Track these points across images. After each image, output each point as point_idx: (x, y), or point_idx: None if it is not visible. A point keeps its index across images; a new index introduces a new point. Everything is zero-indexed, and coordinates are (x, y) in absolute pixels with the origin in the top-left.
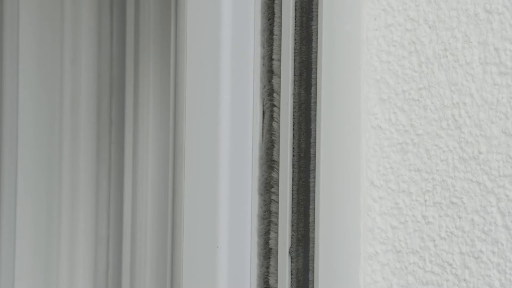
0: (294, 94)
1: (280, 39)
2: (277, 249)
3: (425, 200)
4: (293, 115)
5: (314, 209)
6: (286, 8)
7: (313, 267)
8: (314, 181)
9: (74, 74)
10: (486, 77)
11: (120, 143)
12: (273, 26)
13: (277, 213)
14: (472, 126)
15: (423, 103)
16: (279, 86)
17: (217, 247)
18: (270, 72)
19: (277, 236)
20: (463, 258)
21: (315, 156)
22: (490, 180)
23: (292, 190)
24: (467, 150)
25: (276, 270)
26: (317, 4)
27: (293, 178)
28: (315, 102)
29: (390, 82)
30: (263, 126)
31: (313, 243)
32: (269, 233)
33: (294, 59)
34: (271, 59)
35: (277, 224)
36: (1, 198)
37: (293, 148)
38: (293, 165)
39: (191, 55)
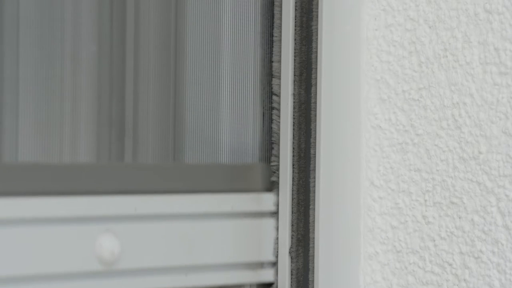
0: (294, 94)
1: (280, 41)
2: (277, 249)
3: (425, 200)
4: (293, 115)
5: (314, 209)
6: (286, 8)
7: (313, 267)
8: (314, 181)
9: (74, 73)
10: (486, 77)
11: (120, 143)
12: (273, 28)
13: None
14: (472, 126)
15: (423, 103)
16: (279, 87)
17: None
18: (270, 74)
19: (277, 236)
20: (463, 258)
21: (315, 156)
22: (490, 180)
23: (292, 190)
24: (467, 150)
25: (276, 270)
26: (317, 4)
27: (293, 178)
28: (315, 102)
29: (390, 82)
30: (263, 128)
31: (313, 243)
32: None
33: (294, 59)
34: (271, 61)
35: (277, 225)
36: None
37: (293, 148)
38: (293, 165)
39: (191, 56)
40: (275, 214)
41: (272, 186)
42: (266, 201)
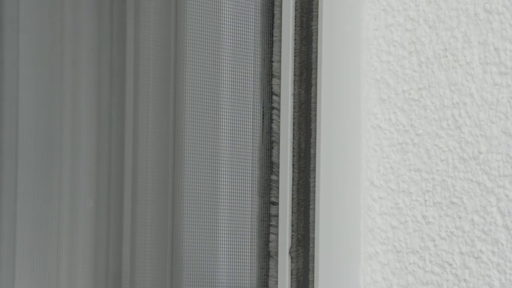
0: (294, 94)
1: (280, 41)
2: (277, 250)
3: (425, 200)
4: (293, 115)
5: (314, 209)
6: (286, 8)
7: (313, 267)
8: (314, 181)
9: (74, 75)
10: (486, 77)
11: (120, 143)
12: (273, 28)
13: (277, 214)
14: (472, 126)
15: (423, 103)
16: (279, 88)
17: (217, 248)
18: (270, 74)
19: (277, 237)
20: (463, 258)
21: (315, 156)
22: (490, 180)
23: (292, 191)
24: (467, 150)
25: (276, 270)
26: (317, 4)
27: (293, 178)
28: (315, 102)
29: (390, 82)
30: (263, 128)
31: (313, 243)
32: (268, 234)
33: (294, 59)
34: (271, 61)
35: (277, 226)
36: (1, 199)
37: (293, 148)
38: (293, 165)
39: (191, 56)
40: None
41: None
42: None
